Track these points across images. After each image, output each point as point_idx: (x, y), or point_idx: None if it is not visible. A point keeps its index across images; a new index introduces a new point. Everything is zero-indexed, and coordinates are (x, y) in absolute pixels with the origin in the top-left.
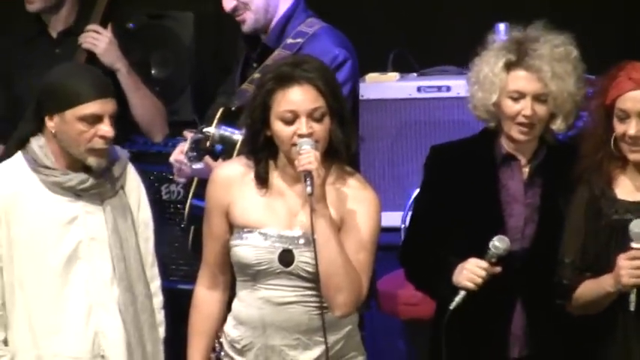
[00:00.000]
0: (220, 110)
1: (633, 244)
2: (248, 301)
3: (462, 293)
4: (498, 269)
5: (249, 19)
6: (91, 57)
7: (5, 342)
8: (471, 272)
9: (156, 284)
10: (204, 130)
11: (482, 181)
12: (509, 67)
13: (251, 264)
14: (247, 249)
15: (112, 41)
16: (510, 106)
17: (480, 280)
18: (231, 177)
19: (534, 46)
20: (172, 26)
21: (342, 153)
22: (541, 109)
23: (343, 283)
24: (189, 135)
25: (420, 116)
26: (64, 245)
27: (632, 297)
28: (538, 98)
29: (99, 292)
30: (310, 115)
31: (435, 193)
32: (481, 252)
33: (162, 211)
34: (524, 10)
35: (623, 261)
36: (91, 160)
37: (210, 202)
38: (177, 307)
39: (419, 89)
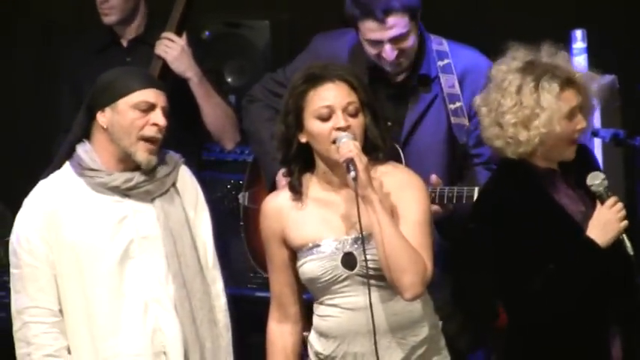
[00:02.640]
0: None
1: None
2: (325, 314)
3: (625, 236)
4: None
5: (405, 64)
6: (167, 65)
7: (67, 349)
8: (615, 216)
9: (218, 286)
10: None
11: (543, 206)
12: (563, 88)
13: (317, 276)
14: (310, 264)
15: (185, 50)
16: (568, 126)
17: (625, 212)
18: (279, 205)
19: (559, 60)
20: (248, 35)
21: (379, 147)
22: (584, 122)
23: (405, 263)
24: None
25: None
26: (116, 245)
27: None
28: (582, 109)
29: (154, 290)
30: (345, 110)
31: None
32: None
33: (239, 218)
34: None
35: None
36: (141, 155)
37: (265, 234)
38: (256, 314)
39: None
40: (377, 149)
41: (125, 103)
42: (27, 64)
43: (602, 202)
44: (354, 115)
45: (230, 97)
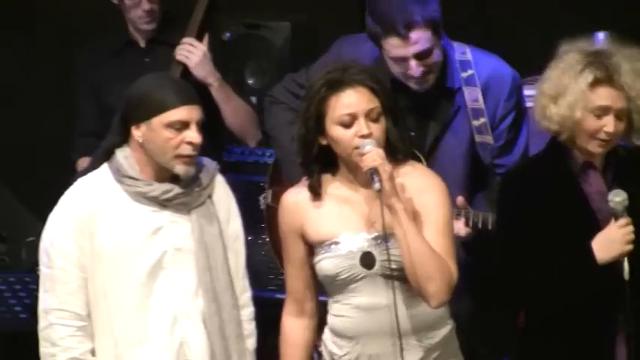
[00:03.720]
0: None
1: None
2: (341, 313)
3: (625, 260)
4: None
5: (432, 80)
6: (187, 70)
7: (92, 353)
8: (622, 237)
9: (246, 296)
10: None
11: (566, 194)
12: (595, 84)
13: (334, 274)
14: (328, 261)
15: (206, 55)
16: (593, 123)
17: (633, 236)
18: (299, 200)
19: (615, 61)
20: (269, 36)
21: (399, 149)
22: (620, 126)
23: (432, 271)
24: None
25: None
26: (149, 255)
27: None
28: (619, 114)
29: (183, 303)
30: (367, 116)
31: (523, 218)
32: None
33: (260, 220)
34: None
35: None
36: (179, 169)
37: (284, 229)
38: (275, 316)
39: None
40: (397, 151)
41: (159, 121)
42: (45, 66)
43: (617, 220)
44: (375, 120)
45: (251, 99)
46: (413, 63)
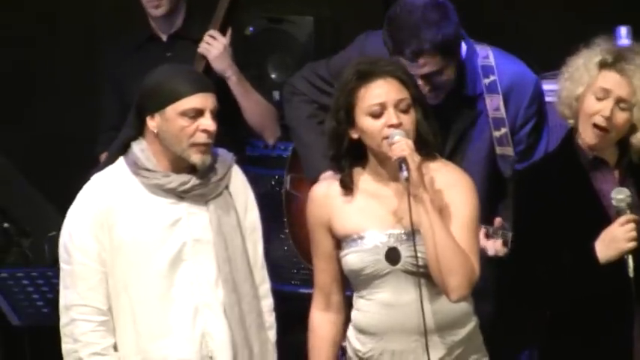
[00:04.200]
0: None
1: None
2: (365, 309)
3: (629, 257)
4: (637, 217)
5: (441, 95)
6: (210, 63)
7: (115, 347)
8: (624, 235)
9: (265, 287)
10: None
11: (578, 190)
12: (603, 65)
13: (359, 269)
14: (353, 255)
15: (227, 48)
16: (592, 104)
17: (635, 234)
18: (327, 193)
19: (632, 55)
20: (291, 30)
21: (430, 142)
22: (620, 116)
23: (454, 265)
24: None
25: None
26: (168, 247)
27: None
28: (620, 104)
29: (204, 294)
30: (397, 106)
31: (536, 215)
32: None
33: (282, 214)
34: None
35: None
36: (195, 157)
37: (311, 221)
38: (299, 310)
39: None
40: (428, 145)
41: (173, 110)
42: (69, 63)
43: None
44: (405, 112)
45: (273, 93)
46: (420, 82)
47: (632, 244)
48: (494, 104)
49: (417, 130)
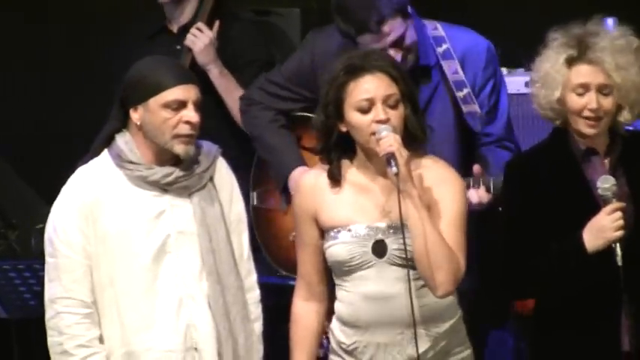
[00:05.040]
0: None
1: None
2: (348, 301)
3: (617, 246)
4: (624, 204)
5: (412, 59)
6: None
7: (100, 339)
8: (610, 224)
9: (252, 279)
10: None
11: (569, 180)
12: (570, 62)
13: (345, 260)
14: (339, 247)
15: (212, 42)
16: (576, 101)
17: (622, 222)
18: (315, 184)
19: (595, 39)
20: (278, 23)
21: (419, 138)
22: (606, 102)
23: (440, 261)
24: None
25: (529, 111)
26: (152, 240)
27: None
28: (602, 91)
29: (188, 286)
30: (385, 102)
31: (526, 205)
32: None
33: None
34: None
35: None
36: (178, 148)
37: (298, 211)
38: (285, 303)
39: (527, 84)
40: (416, 140)
41: (156, 102)
42: (59, 56)
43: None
44: (394, 107)
45: None
46: (391, 51)
47: (619, 233)
48: (452, 69)
49: (405, 125)
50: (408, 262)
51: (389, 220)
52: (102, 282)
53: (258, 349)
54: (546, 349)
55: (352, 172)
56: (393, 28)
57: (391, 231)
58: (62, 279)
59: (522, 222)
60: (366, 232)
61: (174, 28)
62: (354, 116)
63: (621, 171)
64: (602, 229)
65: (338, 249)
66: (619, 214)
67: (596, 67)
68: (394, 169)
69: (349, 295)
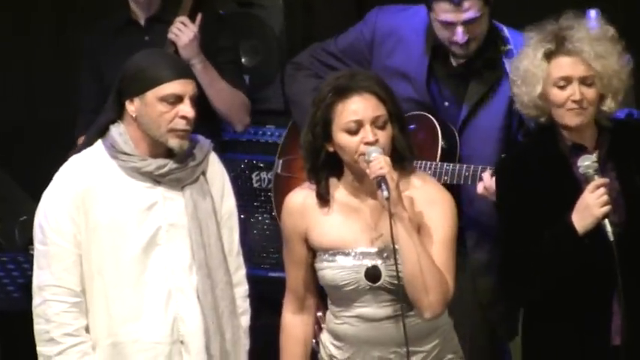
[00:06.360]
0: None
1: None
2: (343, 319)
3: (606, 222)
4: (606, 179)
5: (473, 48)
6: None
7: (87, 329)
8: (595, 201)
9: (241, 273)
10: None
11: (559, 177)
12: (549, 56)
13: (339, 285)
14: (332, 272)
15: (196, 36)
16: (558, 95)
17: (607, 197)
18: (303, 203)
19: (570, 32)
20: (262, 14)
21: (407, 158)
22: (589, 92)
23: (430, 283)
24: None
25: None
26: (143, 231)
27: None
28: (584, 82)
29: (178, 278)
30: (374, 123)
31: (519, 202)
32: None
33: (253, 199)
34: None
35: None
36: (173, 142)
37: (287, 230)
38: (269, 295)
39: None
40: (404, 159)
41: (153, 95)
42: (42, 45)
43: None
44: (382, 128)
45: (244, 77)
46: (460, 29)
47: (605, 209)
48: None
49: (393, 145)
50: (390, 286)
51: (380, 243)
52: (91, 271)
53: (245, 343)
54: (539, 341)
55: (340, 192)
56: (472, 6)
57: (385, 255)
58: (52, 266)
59: (516, 221)
60: (359, 257)
61: (141, 20)
62: (342, 137)
63: (611, 166)
64: (588, 207)
65: (331, 274)
66: (602, 190)
67: (576, 57)
68: (385, 192)
69: (344, 313)
